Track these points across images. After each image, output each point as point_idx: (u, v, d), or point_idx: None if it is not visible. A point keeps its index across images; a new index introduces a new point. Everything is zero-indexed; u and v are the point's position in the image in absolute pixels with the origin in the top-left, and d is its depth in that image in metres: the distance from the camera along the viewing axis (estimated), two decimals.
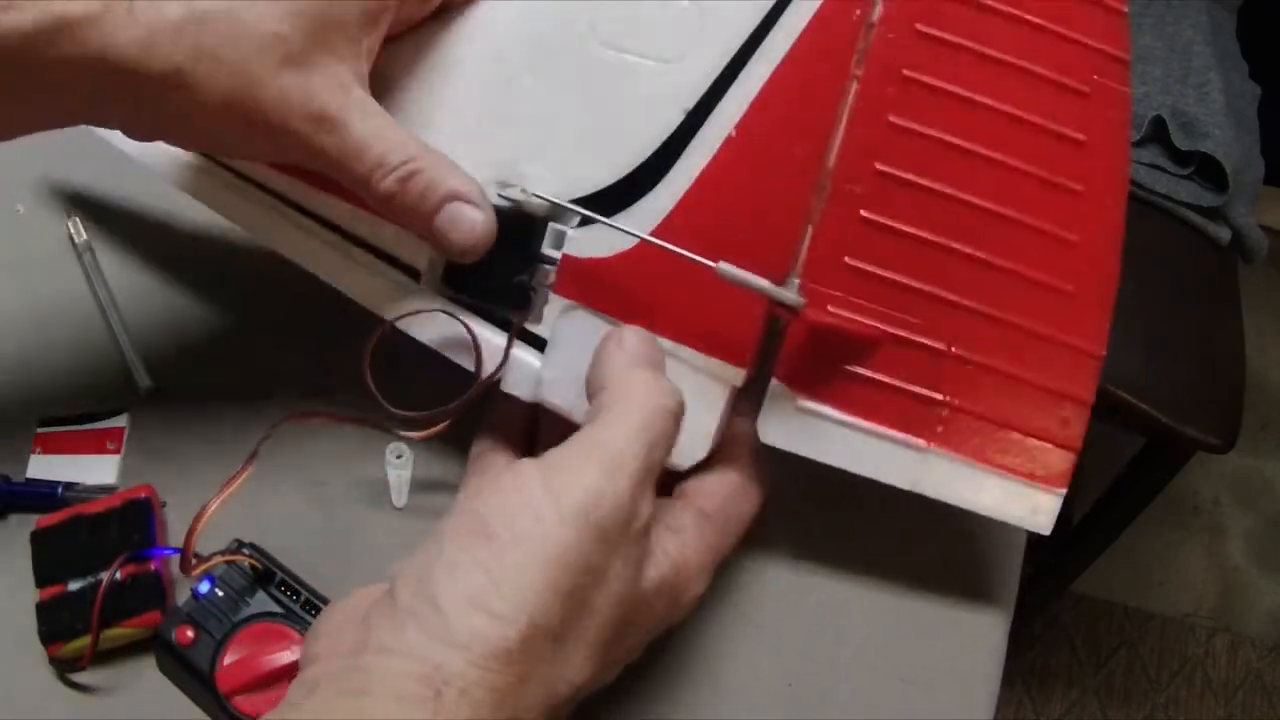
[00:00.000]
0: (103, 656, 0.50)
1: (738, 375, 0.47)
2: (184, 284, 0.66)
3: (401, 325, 0.50)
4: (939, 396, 0.48)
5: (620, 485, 0.39)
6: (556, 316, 0.49)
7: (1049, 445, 0.49)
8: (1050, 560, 1.42)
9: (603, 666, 0.40)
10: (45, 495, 0.55)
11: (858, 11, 0.46)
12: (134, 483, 0.54)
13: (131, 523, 0.52)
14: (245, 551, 0.50)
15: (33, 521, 0.52)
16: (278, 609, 0.49)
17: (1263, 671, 1.66)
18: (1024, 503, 0.50)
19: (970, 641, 0.54)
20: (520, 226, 0.48)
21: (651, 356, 0.45)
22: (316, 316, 0.59)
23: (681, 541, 0.44)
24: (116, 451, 0.57)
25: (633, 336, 0.45)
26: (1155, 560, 1.72)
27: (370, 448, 0.55)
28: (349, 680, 0.36)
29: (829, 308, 0.47)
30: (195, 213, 0.66)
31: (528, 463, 0.40)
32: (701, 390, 0.47)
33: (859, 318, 0.47)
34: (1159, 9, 1.35)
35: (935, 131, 0.47)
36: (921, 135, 0.47)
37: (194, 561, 0.46)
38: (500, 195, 0.48)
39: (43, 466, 0.56)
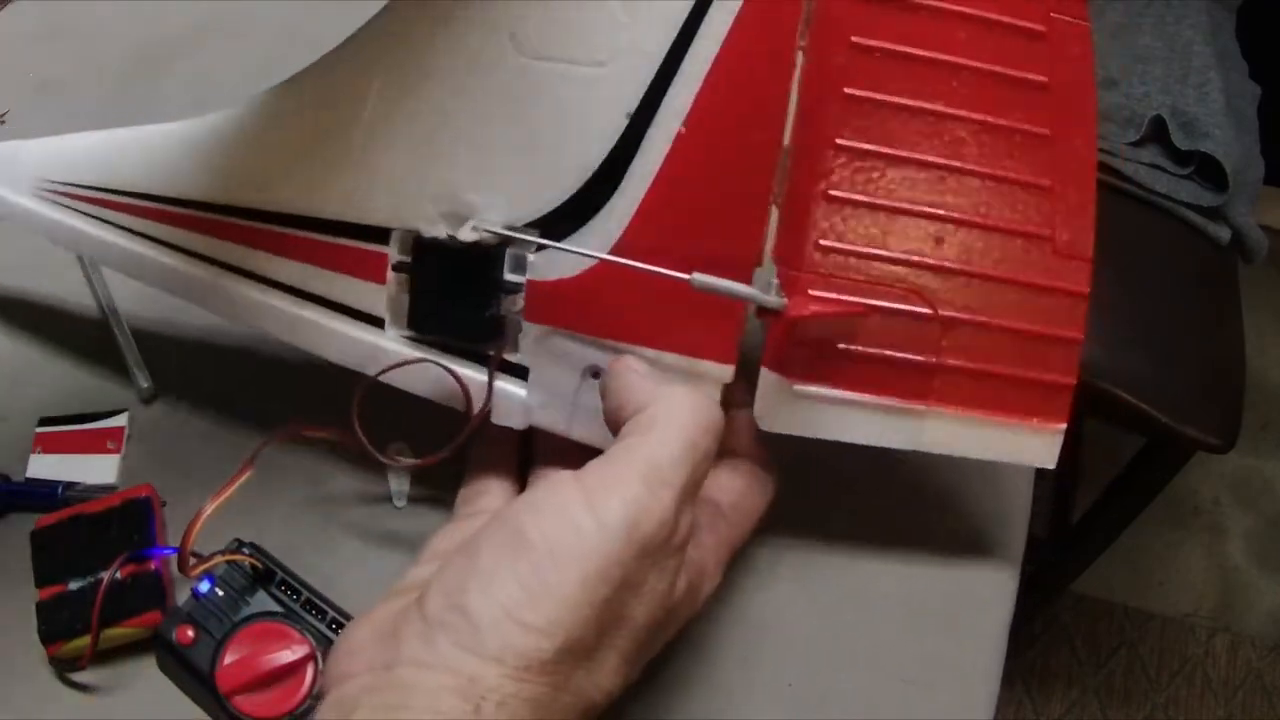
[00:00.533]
0: (103, 656, 0.50)
1: (726, 372, 0.47)
2: None
3: (384, 379, 0.48)
4: (929, 359, 0.48)
5: (664, 500, 0.38)
6: (532, 343, 0.48)
7: (1044, 385, 0.49)
8: (1050, 560, 1.42)
9: (633, 670, 0.40)
10: (45, 495, 0.55)
11: None
12: (134, 482, 0.54)
13: (131, 522, 0.52)
14: (245, 551, 0.50)
15: (33, 521, 0.52)
16: (278, 608, 0.48)
17: (1263, 671, 1.66)
18: (1026, 444, 0.49)
19: (970, 641, 0.54)
20: (478, 258, 0.47)
21: (660, 375, 0.45)
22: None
23: (699, 545, 0.44)
24: (116, 451, 0.57)
25: (634, 361, 0.45)
26: (1155, 560, 1.72)
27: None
28: (384, 696, 0.36)
29: (809, 292, 0.46)
30: None
31: (566, 475, 0.40)
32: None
33: (839, 296, 0.46)
34: (1159, 9, 1.35)
35: (893, 96, 0.46)
36: (879, 102, 0.46)
37: (193, 561, 0.46)
38: (449, 235, 0.46)
39: (43, 466, 0.57)
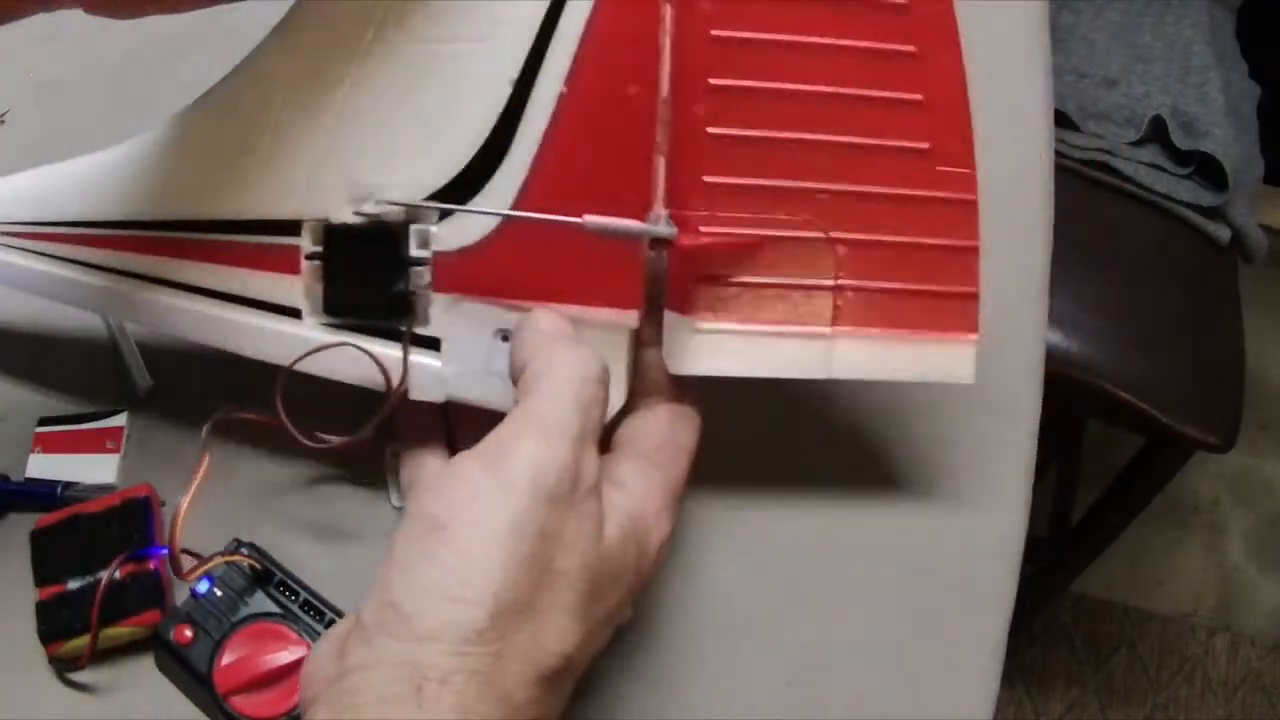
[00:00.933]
0: (102, 656, 0.50)
1: (632, 318, 0.48)
2: None
3: (300, 367, 0.49)
4: (828, 282, 0.48)
5: (559, 450, 0.39)
6: (443, 314, 0.48)
7: (949, 296, 0.50)
8: (1050, 560, 1.42)
9: (589, 630, 0.40)
10: (44, 494, 0.54)
11: None
12: (133, 482, 0.54)
13: (131, 522, 0.51)
14: (244, 551, 0.50)
15: (32, 521, 0.52)
16: (276, 609, 0.49)
17: (1263, 671, 1.66)
18: (941, 359, 0.50)
19: (970, 641, 0.54)
20: (383, 238, 0.48)
21: (564, 329, 0.46)
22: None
23: (628, 492, 0.44)
24: (116, 451, 0.57)
25: (542, 314, 0.46)
26: (1155, 560, 1.72)
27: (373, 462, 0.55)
28: (338, 703, 0.37)
29: (700, 229, 0.48)
30: None
31: (464, 455, 0.40)
32: (602, 343, 0.47)
33: (731, 230, 0.48)
34: (1159, 9, 1.35)
35: (758, 34, 0.47)
36: (745, 40, 0.47)
37: (190, 564, 0.46)
38: (355, 214, 0.48)
39: (42, 465, 0.56)
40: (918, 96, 0.48)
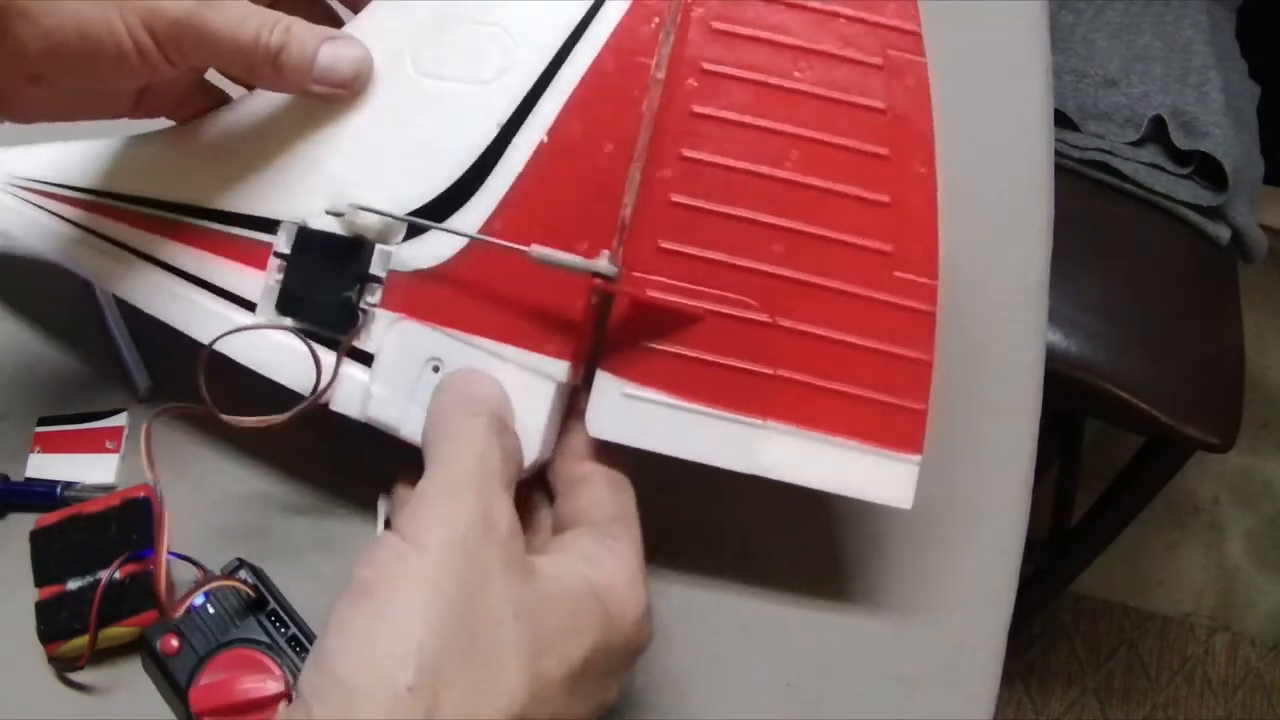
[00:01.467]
0: (101, 656, 0.50)
1: (561, 369, 0.48)
2: None
3: (238, 356, 0.51)
4: (768, 370, 0.48)
5: (466, 503, 0.40)
6: (382, 329, 0.49)
7: (894, 410, 0.48)
8: (1050, 560, 1.42)
9: (549, 692, 0.39)
10: (44, 494, 0.55)
11: (656, 20, 0.48)
12: (133, 482, 0.54)
13: (130, 522, 0.51)
14: (241, 575, 0.50)
15: (32, 521, 0.52)
16: (264, 638, 0.49)
17: (1263, 671, 1.66)
18: (879, 473, 0.49)
19: (970, 641, 0.54)
20: (348, 249, 0.50)
21: (476, 394, 0.46)
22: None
23: (598, 566, 0.43)
24: (116, 451, 0.57)
25: (462, 377, 0.47)
26: (1155, 560, 1.72)
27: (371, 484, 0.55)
28: None
29: (648, 292, 0.48)
30: None
31: (386, 531, 0.41)
32: (527, 388, 0.48)
33: (677, 298, 0.48)
34: (1158, 9, 1.35)
35: (736, 115, 0.48)
36: (723, 120, 0.49)
37: (184, 578, 0.46)
38: (328, 212, 0.50)
39: (42, 465, 0.57)
40: (884, 198, 0.48)
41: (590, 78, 0.49)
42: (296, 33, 0.47)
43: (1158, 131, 1.21)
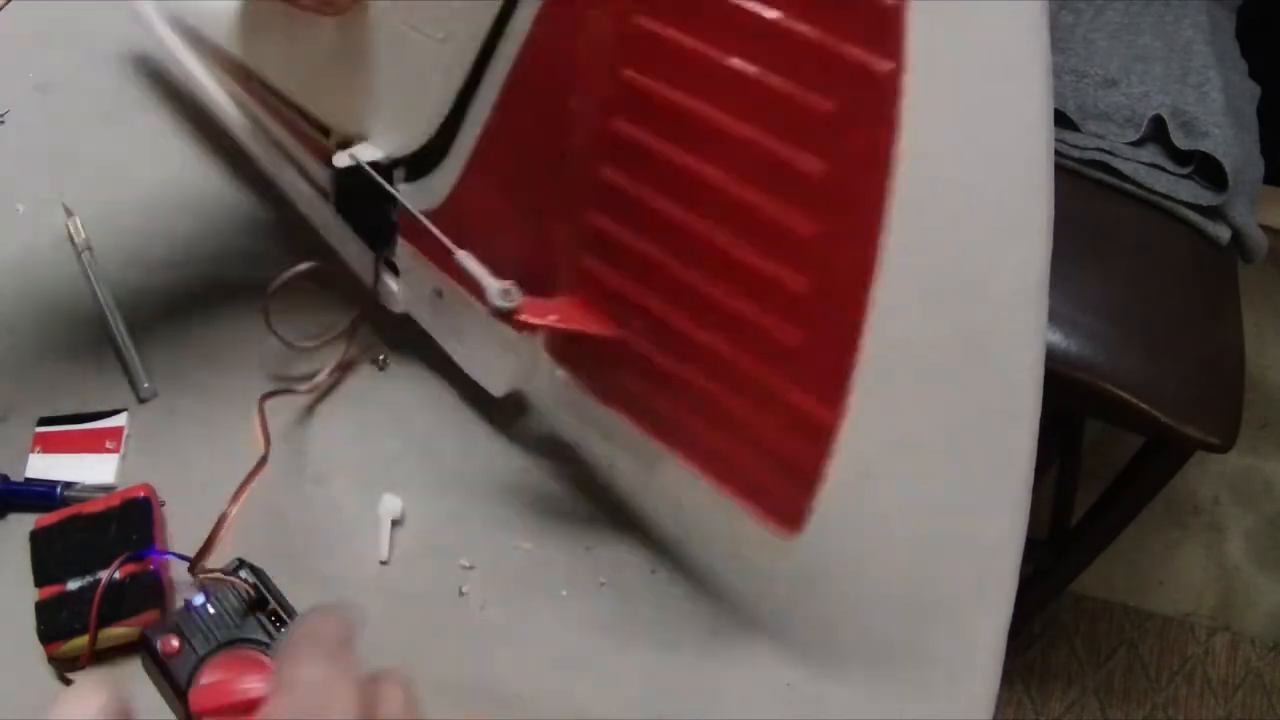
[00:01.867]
0: (101, 656, 0.50)
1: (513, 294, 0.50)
2: (182, 285, 0.66)
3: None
4: (669, 409, 0.49)
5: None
6: (404, 255, 0.58)
7: (777, 485, 0.47)
8: (1050, 560, 1.42)
9: None
10: (44, 494, 0.55)
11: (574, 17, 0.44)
12: (133, 482, 0.54)
13: (130, 522, 0.52)
14: (242, 575, 0.50)
15: (32, 521, 0.52)
16: (264, 638, 0.48)
17: (1263, 671, 1.66)
18: (752, 537, 0.49)
19: (970, 641, 0.54)
20: (368, 181, 0.55)
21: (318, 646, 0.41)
22: (310, 314, 0.61)
23: None
24: (116, 451, 0.57)
25: (312, 618, 0.42)
26: (1155, 560, 1.72)
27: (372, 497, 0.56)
28: None
29: (552, 314, 0.49)
30: (192, 215, 0.66)
31: None
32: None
33: (588, 321, 0.49)
34: (1158, 9, 1.35)
35: (654, 140, 0.43)
36: (638, 144, 0.44)
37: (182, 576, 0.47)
38: (350, 155, 0.55)
39: (42, 465, 0.57)
40: (802, 285, 0.42)
41: (520, 68, 0.46)
42: None
43: (1158, 131, 1.22)
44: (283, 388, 0.59)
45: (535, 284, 0.49)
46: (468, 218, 0.52)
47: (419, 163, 0.54)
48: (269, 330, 0.58)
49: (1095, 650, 1.67)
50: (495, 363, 0.57)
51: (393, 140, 0.55)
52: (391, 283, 0.60)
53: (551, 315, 0.48)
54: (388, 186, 0.55)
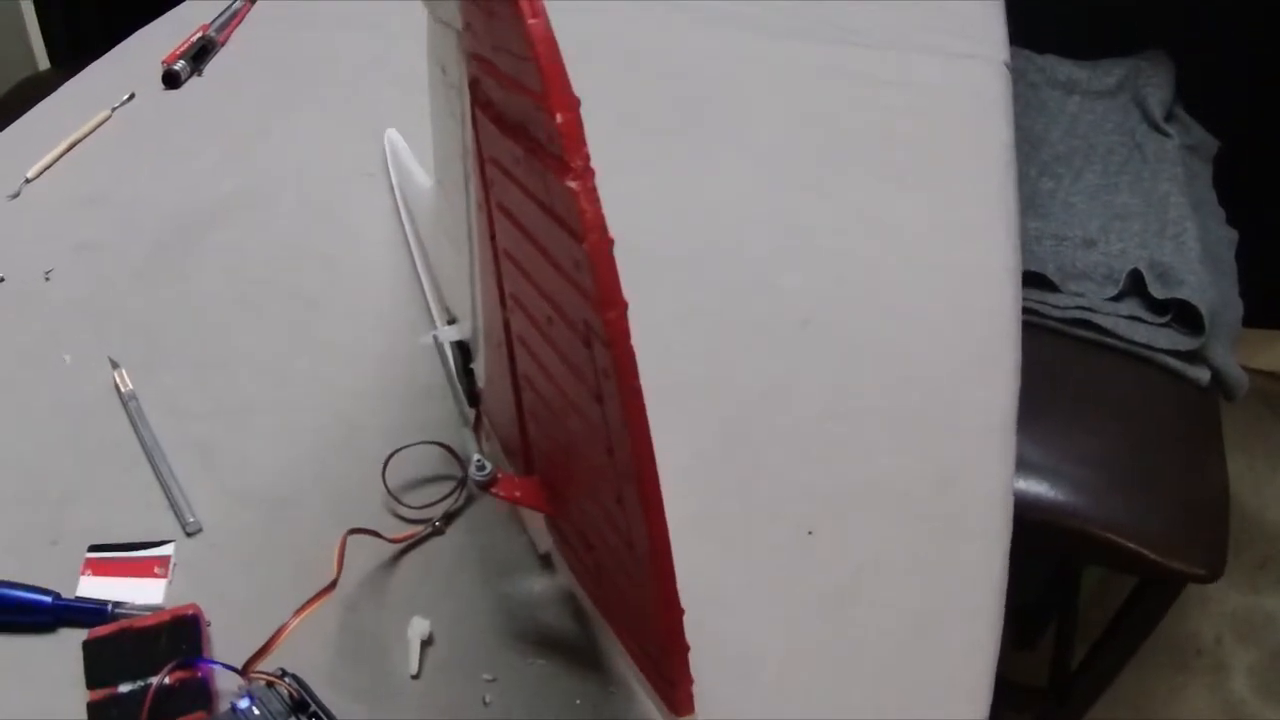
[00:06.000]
0: None
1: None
2: (226, 427, 0.72)
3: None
4: (593, 588, 0.55)
5: None
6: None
7: (665, 672, 0.49)
8: (1052, 707, 1.42)
9: None
10: (95, 611, 0.59)
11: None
12: (179, 605, 0.58)
13: (180, 635, 0.56)
14: (287, 680, 0.54)
15: (81, 635, 0.56)
16: None
17: None
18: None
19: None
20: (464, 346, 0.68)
21: None
22: (344, 459, 0.67)
23: None
24: (164, 576, 0.62)
25: None
26: (1160, 704, 1.71)
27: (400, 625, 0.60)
28: None
29: (519, 490, 0.56)
30: (225, 368, 0.73)
31: None
32: None
33: (541, 501, 0.56)
34: (1135, 167, 1.42)
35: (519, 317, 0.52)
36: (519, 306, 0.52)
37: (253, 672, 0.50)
38: (435, 334, 0.71)
39: (92, 587, 0.61)
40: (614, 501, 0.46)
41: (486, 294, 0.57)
42: None
43: (1136, 284, 1.26)
44: (369, 529, 0.63)
45: (529, 464, 0.58)
46: (490, 399, 0.64)
47: (469, 348, 0.67)
48: (383, 485, 0.67)
49: None
50: (540, 525, 0.62)
51: (462, 325, 0.67)
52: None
53: (517, 492, 0.56)
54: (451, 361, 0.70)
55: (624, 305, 0.38)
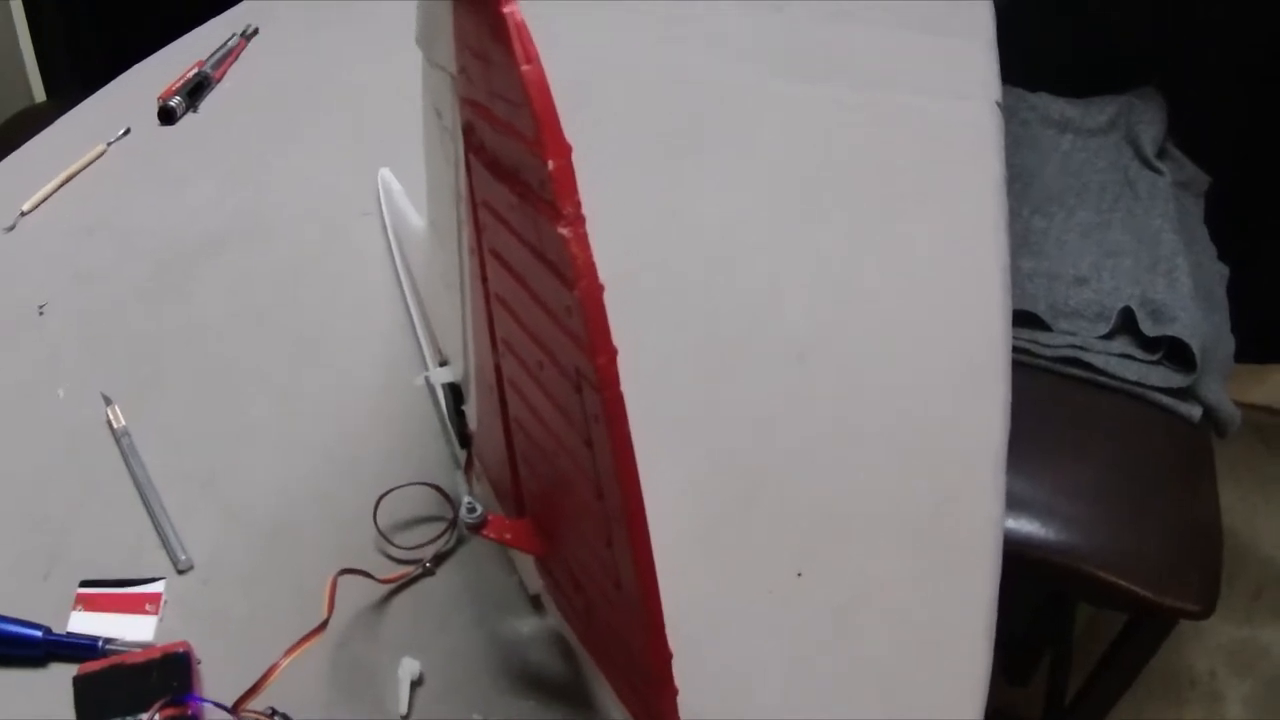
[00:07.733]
0: None
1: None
2: (220, 462, 0.73)
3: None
4: (581, 627, 0.56)
5: None
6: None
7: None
8: None
9: None
10: (86, 646, 0.59)
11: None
12: (170, 642, 0.58)
13: (170, 672, 0.56)
14: (278, 719, 0.54)
15: (71, 670, 0.56)
16: None
17: None
18: None
19: None
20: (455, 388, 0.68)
21: None
22: (338, 498, 0.67)
23: None
24: (154, 613, 0.62)
25: None
26: None
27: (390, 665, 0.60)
28: None
29: (509, 532, 0.56)
30: (224, 399, 0.73)
31: None
32: None
33: (532, 543, 0.56)
34: (1127, 204, 1.42)
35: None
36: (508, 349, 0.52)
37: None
38: (426, 376, 0.70)
39: (83, 622, 0.61)
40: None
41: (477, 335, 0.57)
42: None
43: (1127, 321, 1.27)
44: (360, 569, 0.63)
45: (520, 506, 0.58)
46: (481, 441, 0.64)
47: (460, 390, 0.67)
48: (374, 526, 0.67)
49: None
50: (530, 566, 0.62)
51: (454, 368, 0.67)
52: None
53: (508, 534, 0.56)
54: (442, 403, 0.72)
55: (614, 352, 0.38)
